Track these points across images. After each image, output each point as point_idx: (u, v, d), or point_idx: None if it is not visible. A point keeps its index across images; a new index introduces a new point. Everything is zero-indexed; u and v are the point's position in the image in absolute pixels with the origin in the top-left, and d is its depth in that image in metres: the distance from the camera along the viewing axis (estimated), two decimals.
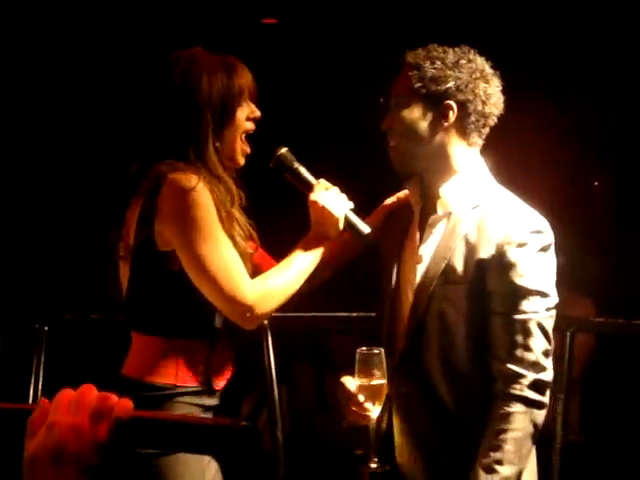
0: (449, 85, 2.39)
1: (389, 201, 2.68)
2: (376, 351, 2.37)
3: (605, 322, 3.97)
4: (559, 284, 2.40)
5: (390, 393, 2.43)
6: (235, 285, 2.34)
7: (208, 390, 2.42)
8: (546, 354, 2.35)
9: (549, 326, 2.37)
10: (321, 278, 2.61)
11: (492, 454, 2.30)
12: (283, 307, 2.48)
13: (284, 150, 2.56)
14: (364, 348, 2.38)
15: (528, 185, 2.67)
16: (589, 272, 4.88)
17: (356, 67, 4.92)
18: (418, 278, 2.43)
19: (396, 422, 2.49)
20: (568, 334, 3.51)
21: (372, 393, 2.37)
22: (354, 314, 3.72)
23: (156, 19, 5.01)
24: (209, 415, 2.41)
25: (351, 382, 2.39)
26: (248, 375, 2.65)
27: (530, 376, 2.32)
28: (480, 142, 2.47)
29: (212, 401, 2.43)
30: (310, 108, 5.27)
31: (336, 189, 2.53)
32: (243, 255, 2.40)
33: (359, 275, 3.46)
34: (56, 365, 3.96)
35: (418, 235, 2.49)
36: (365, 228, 2.53)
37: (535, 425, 2.33)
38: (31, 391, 3.80)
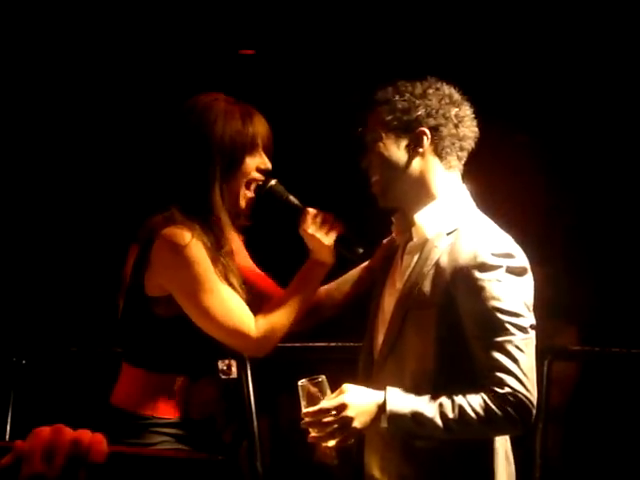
0: (419, 113, 2.45)
1: (385, 240, 2.71)
2: (319, 379, 2.34)
3: (583, 350, 3.97)
4: (542, 311, 2.38)
5: None
6: (240, 328, 2.50)
7: (184, 422, 2.54)
8: (528, 376, 2.31)
9: (529, 347, 2.33)
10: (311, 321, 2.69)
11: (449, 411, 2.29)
12: None
13: (274, 182, 2.64)
14: (304, 380, 2.35)
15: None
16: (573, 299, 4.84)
17: (333, 98, 4.94)
18: (393, 305, 2.46)
19: (367, 447, 2.48)
20: (545, 363, 3.50)
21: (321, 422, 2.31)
22: (332, 344, 3.70)
23: (132, 50, 5.02)
24: (182, 445, 2.51)
25: None
26: (230, 405, 2.66)
27: (512, 396, 2.28)
28: (459, 166, 2.51)
29: (188, 432, 2.53)
30: (287, 138, 5.29)
31: (323, 215, 2.59)
32: (241, 296, 2.53)
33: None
34: (34, 399, 3.93)
35: (400, 263, 2.52)
36: (357, 249, 2.60)
37: (495, 431, 2.34)
38: (8, 426, 3.77)
